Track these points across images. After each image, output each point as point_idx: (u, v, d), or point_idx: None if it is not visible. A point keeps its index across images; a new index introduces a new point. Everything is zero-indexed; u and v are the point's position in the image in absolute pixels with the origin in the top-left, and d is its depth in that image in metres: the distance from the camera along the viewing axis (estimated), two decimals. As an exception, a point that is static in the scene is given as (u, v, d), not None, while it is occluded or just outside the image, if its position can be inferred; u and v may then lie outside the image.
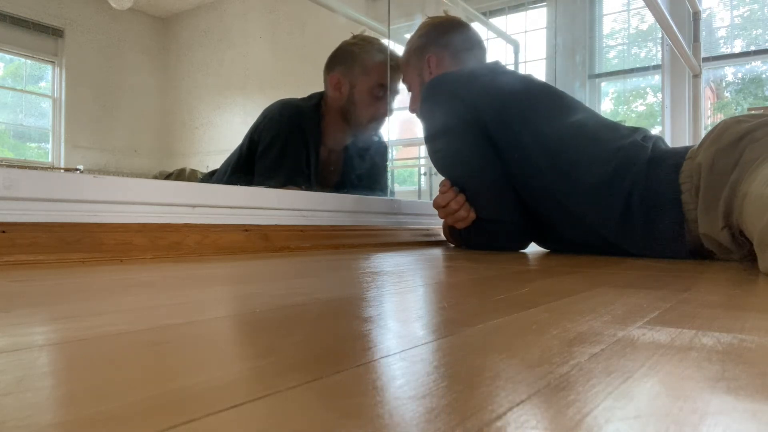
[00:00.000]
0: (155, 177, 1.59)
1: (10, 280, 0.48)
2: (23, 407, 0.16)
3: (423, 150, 4.03)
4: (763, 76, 3.36)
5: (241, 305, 0.37)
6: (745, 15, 3.41)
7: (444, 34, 1.16)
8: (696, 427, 0.15)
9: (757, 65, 3.37)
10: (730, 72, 3.49)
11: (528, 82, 1.04)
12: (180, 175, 1.52)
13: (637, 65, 3.74)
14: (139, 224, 0.74)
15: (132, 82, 5.23)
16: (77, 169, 4.70)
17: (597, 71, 3.71)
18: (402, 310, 0.37)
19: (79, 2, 4.88)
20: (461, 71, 1.07)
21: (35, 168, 4.03)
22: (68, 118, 4.91)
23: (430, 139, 1.04)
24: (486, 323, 0.30)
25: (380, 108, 1.30)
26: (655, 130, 3.49)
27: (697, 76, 2.39)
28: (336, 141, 1.34)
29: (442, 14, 1.22)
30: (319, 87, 1.35)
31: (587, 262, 0.75)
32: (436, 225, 1.29)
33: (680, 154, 0.84)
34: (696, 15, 2.40)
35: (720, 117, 3.46)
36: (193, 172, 1.55)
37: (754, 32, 3.36)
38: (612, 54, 3.85)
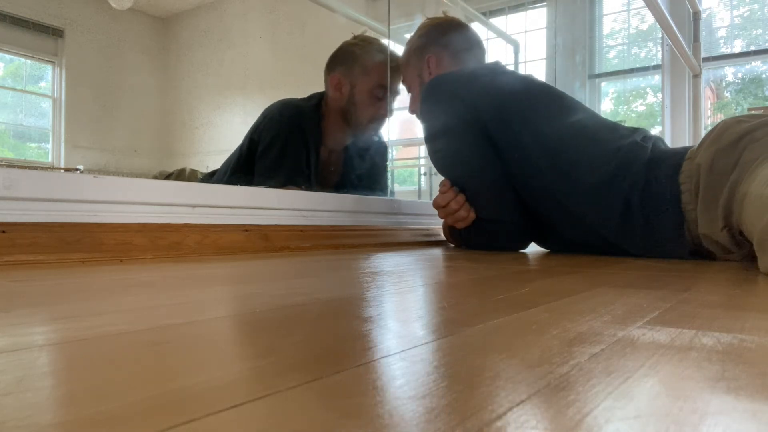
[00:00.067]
0: (155, 177, 1.59)
1: (10, 280, 0.48)
2: (23, 407, 0.16)
3: (423, 150, 4.03)
4: (763, 76, 3.36)
5: (241, 305, 0.37)
6: (745, 15, 3.41)
7: (443, 35, 1.16)
8: (696, 427, 0.15)
9: (757, 65, 3.37)
10: (730, 72, 3.49)
11: (528, 82, 1.04)
12: (180, 175, 1.52)
13: (637, 65, 3.74)
14: (139, 224, 0.75)
15: (132, 82, 5.23)
16: (77, 169, 4.70)
17: (597, 71, 3.71)
18: (402, 310, 0.37)
19: (79, 2, 4.89)
20: (461, 71, 1.07)
21: (35, 168, 4.03)
22: (68, 118, 4.91)
23: (430, 139, 1.04)
24: (486, 323, 0.30)
25: (380, 108, 1.30)
26: (655, 130, 3.49)
27: (697, 76, 2.39)
28: (336, 141, 1.34)
29: (442, 15, 1.22)
30: (319, 87, 1.35)
31: (587, 262, 0.75)
32: (436, 225, 1.29)
33: (680, 154, 0.84)
34: (696, 15, 2.40)
35: (720, 117, 3.46)
36: (193, 172, 1.55)
37: (754, 32, 3.36)
38: (612, 54, 3.85)
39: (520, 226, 1.00)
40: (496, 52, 3.13)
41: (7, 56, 4.84)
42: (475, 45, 1.18)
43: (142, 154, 5.31)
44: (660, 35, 2.81)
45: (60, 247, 0.65)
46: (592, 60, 3.69)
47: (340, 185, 1.35)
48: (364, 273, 0.59)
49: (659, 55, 3.26)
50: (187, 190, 0.84)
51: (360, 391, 0.18)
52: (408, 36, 1.24)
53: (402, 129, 3.70)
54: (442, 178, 1.04)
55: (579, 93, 3.56)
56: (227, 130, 4.95)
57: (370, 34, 1.44)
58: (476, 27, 2.77)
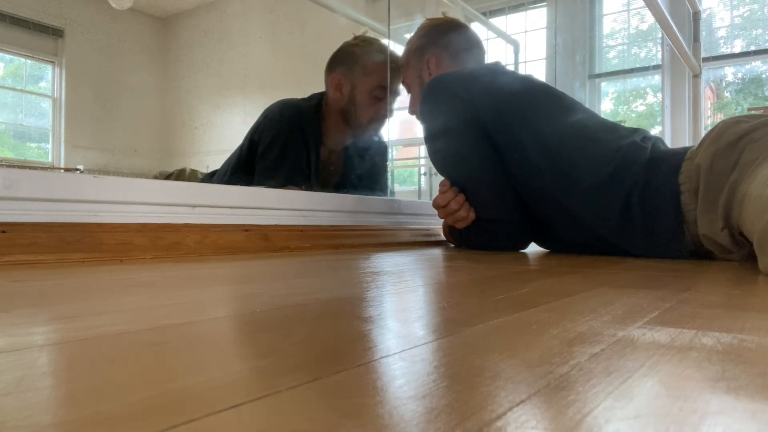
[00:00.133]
0: (155, 177, 1.59)
1: (10, 280, 0.48)
2: (23, 407, 0.16)
3: (423, 150, 4.03)
4: (763, 76, 3.36)
5: (241, 305, 0.37)
6: (745, 15, 3.41)
7: (443, 35, 1.16)
8: (696, 427, 0.15)
9: (757, 65, 3.37)
10: (730, 72, 3.49)
11: (528, 82, 1.05)
12: (180, 175, 1.52)
13: (637, 65, 3.74)
14: (139, 224, 0.75)
15: (132, 82, 5.23)
16: (77, 169, 4.70)
17: (597, 71, 3.71)
18: (402, 310, 0.37)
19: (79, 2, 4.89)
20: (461, 71, 1.07)
21: (35, 168, 4.03)
22: (68, 118, 4.91)
23: (430, 139, 1.05)
24: (486, 323, 0.30)
25: (381, 109, 1.30)
26: (655, 130, 3.49)
27: (697, 76, 2.39)
28: (336, 141, 1.34)
29: (441, 15, 1.22)
30: (319, 87, 1.35)
31: (587, 262, 0.75)
32: (436, 225, 1.29)
33: (679, 154, 0.84)
34: (696, 15, 2.40)
35: (720, 117, 3.46)
36: (194, 172, 1.55)
37: (754, 32, 3.36)
38: (612, 54, 3.85)
39: (520, 226, 1.00)
40: (496, 52, 3.13)
41: (7, 56, 4.84)
42: (474, 45, 1.19)
43: (142, 154, 5.31)
44: (660, 35, 2.81)
45: (60, 247, 0.65)
46: (592, 60, 3.69)
47: (340, 185, 1.35)
48: (364, 273, 0.59)
49: (659, 55, 3.26)
50: (187, 190, 0.84)
51: (360, 391, 0.18)
52: (408, 36, 1.24)
53: (402, 129, 3.70)
54: (442, 178, 1.04)
55: (579, 93, 3.56)
56: (227, 130, 4.95)
57: (370, 34, 1.44)
58: (476, 27, 2.77)
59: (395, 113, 1.37)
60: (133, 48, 5.29)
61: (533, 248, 1.09)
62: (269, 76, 4.69)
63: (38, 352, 0.23)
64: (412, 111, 1.20)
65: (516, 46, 2.70)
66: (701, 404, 0.17)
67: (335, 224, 1.08)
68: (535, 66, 3.74)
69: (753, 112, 3.06)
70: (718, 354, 0.24)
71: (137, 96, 5.28)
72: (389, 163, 1.54)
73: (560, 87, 1.12)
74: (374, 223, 1.20)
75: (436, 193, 1.03)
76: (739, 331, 0.28)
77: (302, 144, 1.25)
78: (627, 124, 1.01)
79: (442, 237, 1.22)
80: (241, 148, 1.31)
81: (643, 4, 1.81)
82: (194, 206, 0.84)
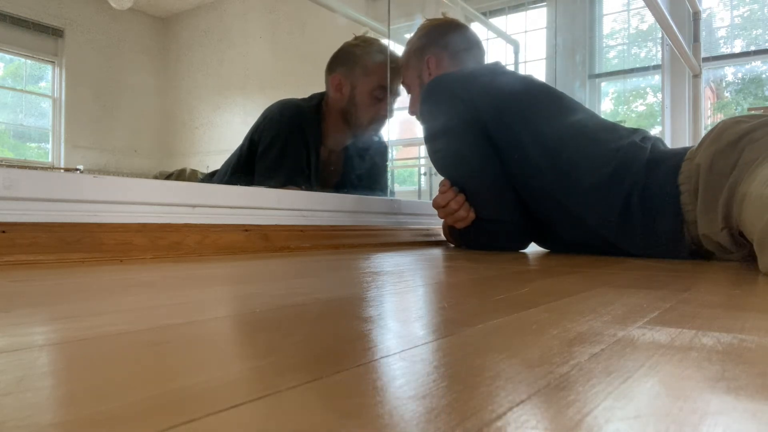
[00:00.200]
0: (155, 177, 1.59)
1: (10, 280, 0.48)
2: (23, 407, 0.16)
3: (423, 150, 4.03)
4: (763, 76, 3.36)
5: (241, 305, 0.37)
6: (745, 15, 3.41)
7: (443, 36, 1.16)
8: (696, 427, 0.15)
9: (757, 65, 3.37)
10: (730, 72, 3.49)
11: (528, 82, 1.05)
12: (180, 176, 1.52)
13: (637, 65, 3.74)
14: (139, 224, 0.75)
15: (132, 82, 5.23)
16: (77, 169, 4.70)
17: (597, 71, 3.71)
18: (402, 310, 0.37)
19: (79, 2, 4.88)
20: (461, 71, 1.07)
21: (35, 168, 4.04)
22: (68, 118, 4.91)
23: (430, 139, 1.05)
24: (486, 323, 0.30)
25: (381, 109, 1.30)
26: (655, 130, 3.49)
27: (697, 76, 2.39)
28: (336, 141, 1.34)
29: (441, 16, 1.22)
30: (319, 87, 1.35)
31: (587, 262, 0.75)
32: (436, 225, 1.29)
33: (679, 155, 0.84)
34: (696, 15, 2.40)
35: (720, 117, 3.46)
36: (194, 172, 1.55)
37: (754, 32, 3.36)
38: (612, 54, 3.85)
39: (520, 226, 1.00)
40: (496, 52, 3.13)
41: (7, 56, 4.84)
42: (474, 45, 1.19)
43: (142, 154, 5.31)
44: (660, 35, 2.81)
45: (60, 247, 0.65)
46: (592, 60, 3.69)
47: (340, 185, 1.35)
48: (364, 273, 0.59)
49: (659, 55, 3.26)
50: (187, 190, 0.84)
51: (360, 391, 0.18)
52: (408, 36, 1.24)
53: (402, 129, 3.70)
54: (442, 178, 1.04)
55: (579, 93, 3.56)
56: (227, 130, 4.95)
57: (370, 34, 1.44)
58: (476, 27, 2.78)
59: (395, 113, 1.37)
60: (133, 48, 5.29)
61: (533, 248, 1.09)
62: (269, 76, 4.69)
63: (38, 352, 0.23)
64: (412, 111, 1.20)
65: (516, 46, 2.70)
66: (701, 404, 0.17)
67: (335, 224, 1.08)
68: (535, 66, 3.74)
69: (753, 112, 3.06)
70: (718, 354, 0.24)
71: (137, 96, 5.28)
72: (389, 163, 1.54)
73: (560, 87, 1.12)
74: (374, 223, 1.20)
75: (436, 193, 1.03)
76: (739, 331, 0.28)
77: (302, 144, 1.25)
78: (627, 124, 1.01)
79: (442, 237, 1.22)
80: (241, 148, 1.31)
81: (643, 4, 1.81)
82: (194, 206, 0.84)
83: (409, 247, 1.13)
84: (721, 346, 0.25)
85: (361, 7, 3.46)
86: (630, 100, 3.90)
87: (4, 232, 0.61)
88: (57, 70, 4.95)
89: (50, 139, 5.00)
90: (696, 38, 2.39)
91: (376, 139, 1.40)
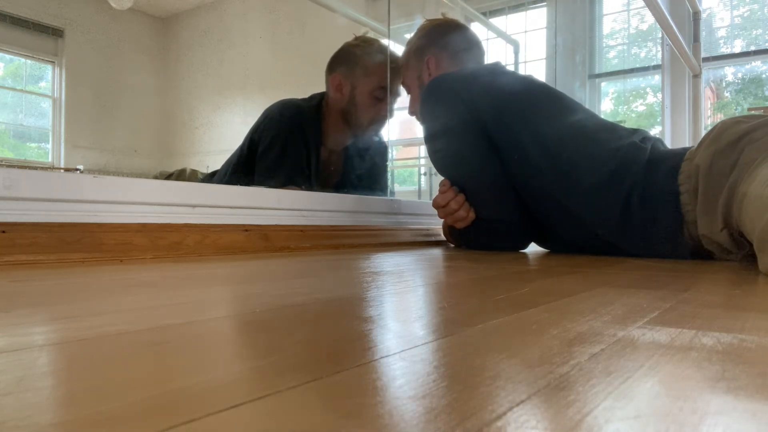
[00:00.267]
0: (155, 177, 1.59)
1: (10, 280, 0.48)
2: (23, 407, 0.16)
3: (423, 150, 4.03)
4: (763, 76, 3.36)
5: (241, 305, 0.37)
6: (745, 15, 3.41)
7: (443, 36, 1.16)
8: (696, 427, 0.15)
9: (757, 65, 3.37)
10: (730, 72, 3.49)
11: (528, 82, 1.05)
12: (180, 176, 1.52)
13: (637, 65, 3.74)
14: (139, 224, 0.75)
15: (132, 82, 5.23)
16: (77, 169, 4.70)
17: (597, 71, 3.71)
18: (402, 310, 0.37)
19: (79, 2, 4.89)
20: (461, 71, 1.07)
21: (35, 168, 4.04)
22: (68, 118, 4.91)
23: (430, 139, 1.05)
24: (486, 323, 0.30)
25: (381, 110, 1.30)
26: (655, 131, 3.49)
27: (697, 76, 2.39)
28: (336, 142, 1.34)
29: (441, 16, 1.22)
30: (319, 87, 1.35)
31: (587, 262, 0.75)
32: (436, 225, 1.29)
33: (679, 155, 0.84)
34: (696, 15, 2.40)
35: (720, 117, 3.46)
36: (194, 172, 1.55)
37: (754, 32, 3.36)
38: (612, 54, 3.85)
39: (519, 226, 1.00)
40: (496, 52, 3.13)
41: (7, 56, 4.84)
42: (474, 46, 1.19)
43: (142, 154, 5.31)
44: (660, 35, 2.81)
45: (60, 247, 0.65)
46: (592, 60, 3.69)
47: (340, 185, 1.36)
48: (364, 273, 0.59)
49: (659, 55, 3.26)
50: (187, 190, 0.84)
51: (360, 391, 0.18)
52: (408, 36, 1.25)
53: (402, 129, 3.70)
54: (442, 178, 1.04)
55: (579, 93, 3.56)
56: (227, 130, 4.95)
57: (370, 34, 1.44)
58: (476, 27, 2.78)
59: (395, 113, 1.37)
60: (133, 48, 5.29)
61: (533, 248, 1.09)
62: (269, 76, 4.69)
63: (38, 352, 0.23)
64: (411, 112, 1.20)
65: (516, 46, 2.70)
66: (701, 404, 0.17)
67: (335, 224, 1.08)
68: (535, 66, 3.74)
69: (753, 112, 3.06)
70: (718, 354, 0.24)
71: (137, 96, 5.28)
72: (389, 163, 1.54)
73: (560, 87, 1.12)
74: (374, 223, 1.20)
75: (436, 193, 1.03)
76: (739, 331, 0.28)
77: (302, 144, 1.25)
78: (627, 124, 1.01)
79: (442, 237, 1.22)
80: (241, 148, 1.31)
81: (643, 4, 1.81)
82: (194, 206, 0.84)
83: (409, 247, 1.13)
84: (721, 346, 0.25)
85: (361, 7, 3.46)
86: (630, 100, 3.90)
87: (4, 232, 0.61)
88: (57, 70, 4.95)
89: (50, 139, 5.00)
90: (696, 38, 2.39)
91: (376, 139, 1.40)
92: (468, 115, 0.98)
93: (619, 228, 0.85)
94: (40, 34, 4.74)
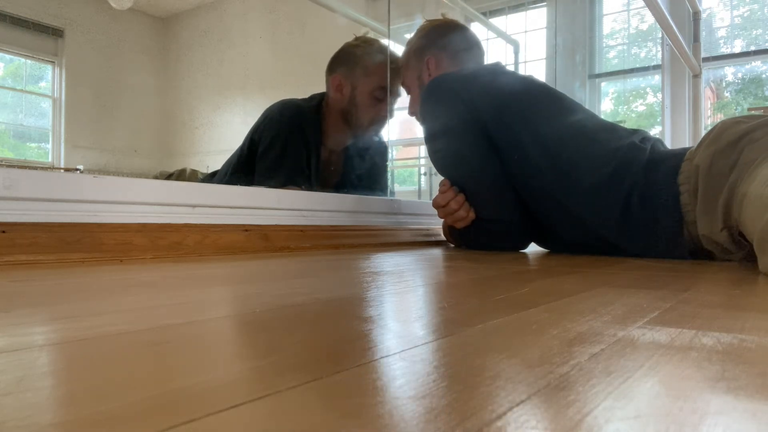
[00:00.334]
0: (155, 177, 1.59)
1: (10, 280, 0.48)
2: (23, 407, 0.16)
3: (423, 150, 4.03)
4: (763, 76, 3.36)
5: (241, 305, 0.37)
6: (745, 15, 3.41)
7: (442, 36, 1.16)
8: (696, 427, 0.15)
9: (757, 65, 3.37)
10: (730, 72, 3.49)
11: (528, 82, 1.05)
12: (180, 176, 1.52)
13: (637, 65, 3.74)
14: (139, 224, 0.75)
15: (132, 82, 5.23)
16: (77, 169, 4.70)
17: (597, 71, 3.71)
18: (402, 310, 0.37)
19: (79, 2, 4.89)
20: (461, 71, 1.07)
21: (35, 168, 4.04)
22: (68, 118, 4.91)
23: (430, 138, 1.05)
24: (486, 323, 0.30)
25: (381, 110, 1.30)
26: (655, 131, 3.49)
27: (697, 76, 2.39)
28: (336, 142, 1.34)
29: (441, 17, 1.22)
30: (319, 87, 1.35)
31: (587, 262, 0.75)
32: (436, 225, 1.29)
33: (678, 155, 0.84)
34: (696, 15, 2.40)
35: (720, 117, 3.46)
36: (194, 172, 1.55)
37: (754, 32, 3.36)
38: (612, 54, 3.85)
39: (519, 226, 1.00)
40: (496, 52, 3.13)
41: (7, 56, 4.84)
42: (474, 46, 1.19)
43: (142, 154, 5.31)
44: (660, 35, 2.81)
45: (60, 247, 0.65)
46: (592, 60, 3.69)
47: (340, 185, 1.36)
48: (364, 273, 0.59)
49: (659, 55, 3.26)
50: (187, 190, 0.84)
51: (360, 391, 0.18)
52: (408, 36, 1.25)
53: (402, 129, 3.70)
54: (442, 178, 1.04)
55: (579, 93, 3.56)
56: (227, 130, 4.95)
57: (370, 34, 1.44)
58: (476, 27, 2.78)
59: (395, 113, 1.37)
60: (133, 48, 5.29)
61: (533, 248, 1.09)
62: (269, 76, 4.69)
63: (38, 352, 0.23)
64: (411, 112, 1.20)
65: (516, 46, 2.70)
66: (701, 404, 0.17)
67: (335, 224, 1.08)
68: (535, 66, 3.74)
69: (753, 112, 3.06)
70: (718, 354, 0.24)
71: (137, 96, 5.28)
72: (389, 163, 1.54)
73: (560, 87, 1.13)
74: (374, 223, 1.20)
75: (436, 193, 1.03)
76: (739, 331, 0.28)
77: (302, 144, 1.25)
78: (627, 124, 1.01)
79: (442, 237, 1.22)
80: (241, 148, 1.31)
81: (643, 4, 1.81)
82: (194, 206, 0.84)
83: (409, 247, 1.13)
84: (721, 346, 0.25)
85: (361, 7, 3.46)
86: (630, 100, 3.90)
87: (4, 232, 0.61)
88: (57, 70, 4.95)
89: (50, 139, 5.00)
90: (696, 38, 2.39)
91: (376, 139, 1.40)
92: (468, 115, 0.98)
93: (619, 228, 0.85)
94: (40, 34, 4.74)
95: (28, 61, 4.92)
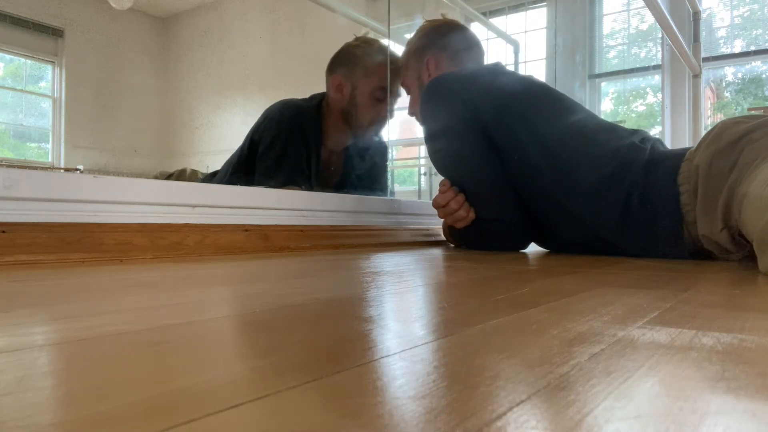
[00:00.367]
0: (155, 177, 1.59)
1: (10, 280, 0.48)
2: (23, 407, 0.16)
3: (423, 150, 4.03)
4: (763, 76, 3.36)
5: (241, 305, 0.37)
6: (745, 15, 3.41)
7: (442, 37, 1.16)
8: (696, 427, 0.15)
9: (757, 65, 3.37)
10: (730, 72, 3.49)
11: (528, 82, 1.05)
12: (180, 176, 1.52)
13: (637, 65, 3.74)
14: (139, 224, 0.75)
15: (132, 82, 5.23)
16: (77, 169, 4.70)
17: (597, 71, 3.71)
18: (402, 310, 0.37)
19: (79, 2, 4.89)
20: (461, 71, 1.07)
21: (35, 168, 4.04)
22: (68, 118, 4.91)
23: (430, 138, 1.05)
24: (486, 323, 0.30)
25: (381, 110, 1.30)
26: (655, 131, 3.49)
27: (697, 76, 2.39)
28: (337, 142, 1.34)
29: (440, 17, 1.22)
30: (319, 87, 1.35)
31: (587, 262, 0.75)
32: (436, 225, 1.29)
33: (678, 155, 0.84)
34: (696, 15, 2.40)
35: (720, 117, 3.46)
36: (194, 172, 1.55)
37: (754, 32, 3.36)
38: (612, 54, 3.85)
39: (519, 226, 1.00)
40: (496, 52, 3.13)
41: (7, 56, 4.84)
42: (473, 46, 1.19)
43: (142, 154, 5.31)
44: (660, 35, 2.81)
45: (60, 247, 0.65)
46: (592, 60, 3.69)
47: (340, 185, 1.36)
48: (364, 273, 0.59)
49: (659, 55, 3.26)
50: (187, 190, 0.84)
51: (360, 391, 0.18)
52: (408, 36, 1.25)
53: (402, 129, 3.70)
54: (442, 178, 1.04)
55: (579, 93, 3.56)
56: (227, 130, 4.95)
57: (370, 34, 1.44)
58: (476, 27, 2.78)
59: (395, 113, 1.38)
60: (133, 48, 5.29)
61: (533, 248, 1.09)
62: (269, 76, 4.69)
63: (38, 352, 0.23)
64: (411, 112, 1.20)
65: (516, 46, 2.70)
66: (701, 404, 0.17)
67: (335, 224, 1.08)
68: (535, 66, 3.74)
69: (753, 112, 3.06)
70: (718, 354, 0.24)
71: (137, 96, 5.28)
72: (389, 163, 1.54)
73: (560, 87, 1.13)
74: (374, 223, 1.20)
75: (436, 193, 1.03)
76: (739, 331, 0.28)
77: (302, 144, 1.25)
78: (627, 124, 1.01)
79: (442, 237, 1.22)
80: (241, 148, 1.31)
81: (643, 4, 1.81)
82: (194, 206, 0.84)
83: (409, 247, 1.13)
84: (721, 346, 0.25)
85: (361, 7, 3.46)
86: (630, 100, 3.90)
87: (4, 232, 0.61)
88: (57, 70, 4.95)
89: (50, 139, 5.00)
90: (696, 38, 2.39)
91: (376, 139, 1.40)
92: (468, 115, 0.98)
93: (619, 228, 0.85)
94: (40, 34, 4.74)
95: (28, 61, 4.92)
